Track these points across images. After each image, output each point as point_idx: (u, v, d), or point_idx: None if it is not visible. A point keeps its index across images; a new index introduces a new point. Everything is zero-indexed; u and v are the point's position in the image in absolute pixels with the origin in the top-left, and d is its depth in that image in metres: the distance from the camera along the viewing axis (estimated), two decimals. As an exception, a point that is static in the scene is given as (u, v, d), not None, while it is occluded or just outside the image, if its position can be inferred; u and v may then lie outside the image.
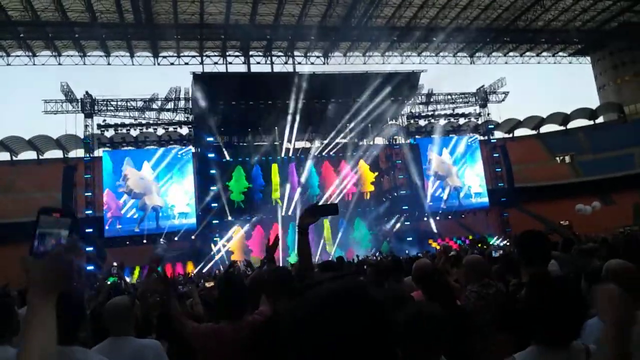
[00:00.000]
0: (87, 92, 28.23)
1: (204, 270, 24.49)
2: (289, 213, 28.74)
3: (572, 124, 46.36)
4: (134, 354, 2.76)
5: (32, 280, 1.18)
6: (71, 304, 2.17)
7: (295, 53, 33.71)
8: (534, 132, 46.74)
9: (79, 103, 28.40)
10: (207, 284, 9.68)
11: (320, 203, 3.02)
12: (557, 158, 43.61)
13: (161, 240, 26.29)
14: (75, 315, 2.22)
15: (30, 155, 39.23)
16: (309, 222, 2.79)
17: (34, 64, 32.24)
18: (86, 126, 28.34)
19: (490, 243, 25.18)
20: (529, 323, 1.95)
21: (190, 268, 25.79)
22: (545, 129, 46.87)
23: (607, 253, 5.85)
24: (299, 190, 28.98)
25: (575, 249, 6.57)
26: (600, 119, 46.54)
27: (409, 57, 36.86)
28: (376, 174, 31.38)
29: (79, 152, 33.18)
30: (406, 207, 30.67)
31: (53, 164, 34.91)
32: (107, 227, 26.61)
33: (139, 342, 2.90)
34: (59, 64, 32.30)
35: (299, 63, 33.70)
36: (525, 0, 31.60)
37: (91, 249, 25.97)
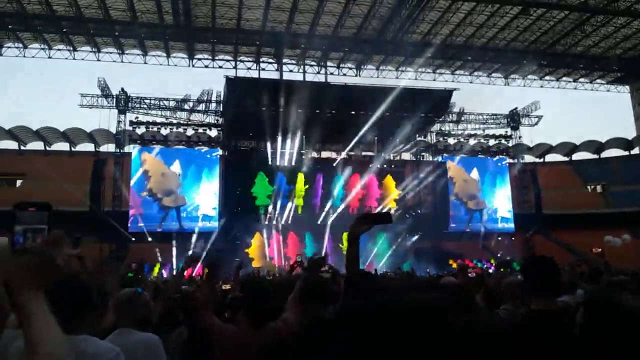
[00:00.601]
0: (122, 89, 28.88)
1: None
2: (310, 222, 28.72)
3: (606, 153, 45.21)
4: (129, 347, 2.73)
5: (15, 277, 1.14)
6: (73, 291, 2.13)
7: (328, 63, 33.84)
8: (565, 158, 45.75)
9: (114, 99, 29.06)
10: (224, 287, 9.59)
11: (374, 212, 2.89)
12: (589, 187, 42.53)
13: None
14: (78, 302, 2.15)
15: (63, 146, 40.21)
16: (361, 231, 2.65)
17: (74, 59, 33.15)
18: (119, 122, 28.96)
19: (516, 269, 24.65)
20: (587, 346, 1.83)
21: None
22: (578, 156, 45.81)
23: (638, 286, 5.60)
24: (321, 200, 28.96)
25: (605, 280, 6.32)
26: (635, 150, 45.22)
27: (442, 75, 36.63)
28: (399, 192, 31.07)
29: (110, 147, 33.93)
30: (428, 226, 30.33)
31: (84, 157, 35.68)
32: (129, 224, 27.01)
33: (136, 336, 2.89)
34: (98, 59, 33.14)
35: (331, 73, 33.83)
36: (566, 24, 31.06)
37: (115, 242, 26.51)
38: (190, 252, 23.99)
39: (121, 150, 29.02)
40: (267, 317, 3.11)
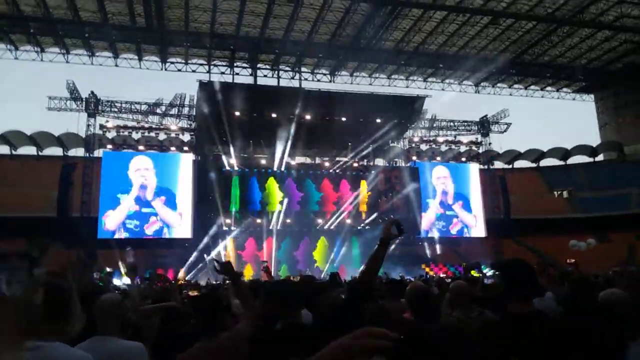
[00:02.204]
0: (92, 92, 28.29)
1: (193, 279, 24.25)
2: (284, 227, 28.67)
3: (572, 160, 46.58)
4: (114, 355, 2.67)
5: None
6: (48, 297, 2.05)
7: (302, 69, 33.89)
8: (533, 164, 46.91)
9: (83, 102, 28.43)
10: (191, 293, 9.45)
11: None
12: (555, 192, 43.68)
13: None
14: (52, 308, 2.06)
15: (30, 150, 39.11)
16: (393, 237, 2.87)
17: (42, 60, 32.29)
18: (88, 125, 28.35)
19: (485, 271, 25.06)
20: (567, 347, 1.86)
21: (181, 276, 25.56)
22: (545, 162, 47.05)
23: (605, 286, 5.81)
24: (296, 205, 28.99)
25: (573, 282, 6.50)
26: (600, 157, 46.75)
27: (414, 82, 37.13)
28: (369, 193, 31.33)
29: (79, 151, 33.17)
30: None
31: (52, 161, 34.80)
32: (98, 230, 26.43)
33: (121, 343, 2.81)
34: (67, 61, 32.37)
35: (306, 79, 33.85)
36: (534, 34, 31.97)
37: (83, 248, 25.86)
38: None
39: (91, 155, 28.37)
40: (219, 327, 3.06)
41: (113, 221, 26.75)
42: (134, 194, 27.20)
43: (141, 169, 27.60)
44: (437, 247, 31.36)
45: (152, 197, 27.48)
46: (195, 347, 3.02)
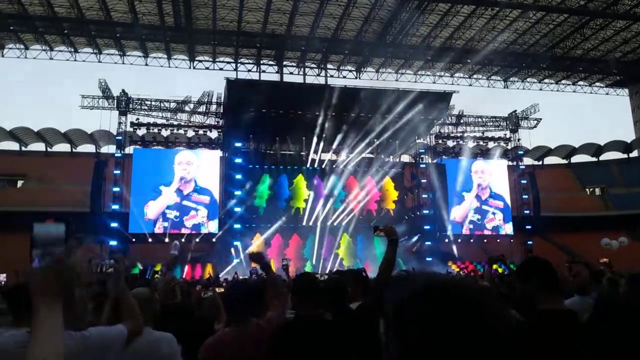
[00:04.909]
0: (123, 90, 28.96)
1: (220, 275, 24.66)
2: (310, 223, 28.84)
3: (605, 156, 45.37)
4: (150, 344, 2.80)
5: (34, 288, 1.25)
6: None
7: (328, 66, 33.96)
8: (564, 161, 45.88)
9: (115, 100, 29.14)
10: (217, 289, 9.58)
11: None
12: (587, 189, 42.67)
13: (175, 242, 26.49)
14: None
15: (64, 147, 40.34)
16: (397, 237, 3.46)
17: (75, 60, 33.24)
18: (120, 123, 29.01)
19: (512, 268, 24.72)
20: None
21: (209, 270, 26.02)
22: (577, 159, 45.98)
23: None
24: (321, 201, 29.12)
25: (607, 279, 6.35)
26: (634, 153, 45.38)
27: (441, 77, 36.75)
28: (398, 192, 31.28)
29: (111, 148, 34.05)
30: (428, 227, 30.40)
31: (85, 158, 35.81)
32: (130, 225, 27.09)
33: (155, 334, 2.95)
34: (99, 61, 33.25)
35: (331, 76, 33.97)
36: (565, 27, 31.20)
37: (115, 243, 26.53)
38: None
39: (122, 152, 29.07)
40: (248, 313, 3.09)
41: (153, 211, 27.35)
42: (175, 186, 27.83)
43: (183, 162, 28.30)
44: (464, 243, 31.03)
45: (192, 191, 28.07)
46: (224, 331, 3.15)
